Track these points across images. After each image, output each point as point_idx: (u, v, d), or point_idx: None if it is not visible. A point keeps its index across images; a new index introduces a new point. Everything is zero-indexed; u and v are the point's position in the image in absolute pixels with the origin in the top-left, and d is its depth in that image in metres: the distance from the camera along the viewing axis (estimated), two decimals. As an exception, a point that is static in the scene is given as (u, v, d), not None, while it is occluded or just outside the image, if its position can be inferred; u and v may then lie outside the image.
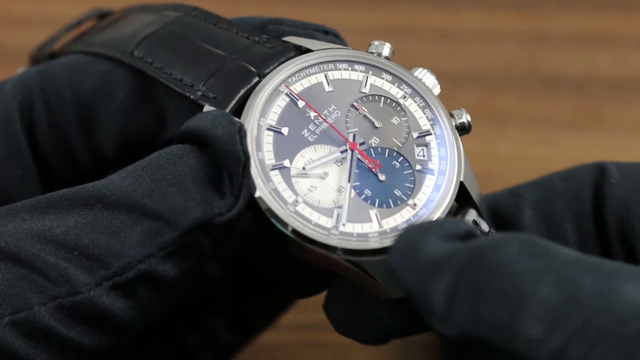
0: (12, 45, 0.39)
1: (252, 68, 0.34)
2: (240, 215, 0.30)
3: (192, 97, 0.34)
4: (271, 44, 0.35)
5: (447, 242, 0.29)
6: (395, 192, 0.33)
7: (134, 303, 0.29)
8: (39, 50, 0.39)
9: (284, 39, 0.35)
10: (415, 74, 0.35)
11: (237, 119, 0.32)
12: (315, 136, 0.33)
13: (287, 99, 0.33)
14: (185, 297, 0.37)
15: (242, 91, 0.33)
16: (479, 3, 0.58)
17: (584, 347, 0.26)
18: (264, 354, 0.46)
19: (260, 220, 0.31)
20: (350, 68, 0.35)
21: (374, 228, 0.32)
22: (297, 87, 0.34)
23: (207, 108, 0.33)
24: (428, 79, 0.35)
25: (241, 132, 0.31)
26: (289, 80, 0.34)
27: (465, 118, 0.35)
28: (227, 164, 0.31)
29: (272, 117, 0.33)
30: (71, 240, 0.29)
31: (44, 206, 0.30)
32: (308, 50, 0.35)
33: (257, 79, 0.34)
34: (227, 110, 0.33)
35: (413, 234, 0.30)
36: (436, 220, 0.32)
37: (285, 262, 0.37)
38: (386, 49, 0.35)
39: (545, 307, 0.26)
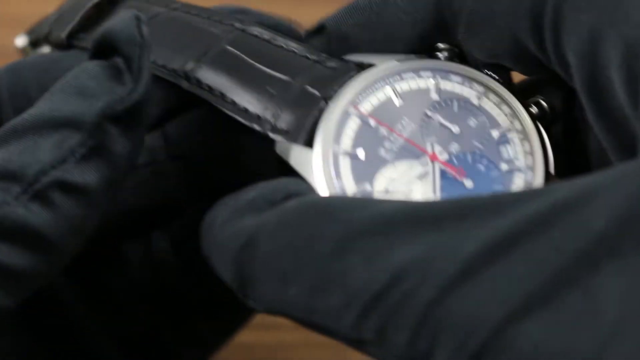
0: (12, 45, 0.39)
1: (317, 92, 0.33)
2: (143, 99, 0.31)
3: (263, 131, 0.33)
4: (331, 63, 0.33)
5: (237, 216, 0.29)
6: None
7: (54, 214, 0.29)
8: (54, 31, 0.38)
9: (345, 57, 0.34)
10: (484, 70, 0.34)
11: (132, 10, 0.33)
12: (393, 154, 0.32)
13: (358, 121, 0.32)
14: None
15: (312, 120, 0.32)
16: (479, 3, 0.58)
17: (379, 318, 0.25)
18: (264, 354, 0.46)
19: None
20: (416, 76, 0.33)
21: None
22: (366, 107, 0.32)
23: (282, 143, 0.32)
24: (497, 72, 0.34)
25: (138, 18, 0.32)
26: (357, 100, 0.32)
27: (544, 105, 0.33)
28: (125, 50, 0.31)
29: (346, 143, 0.32)
30: None
31: None
32: (369, 65, 0.33)
33: (323, 103, 0.32)
34: (300, 142, 0.32)
35: (218, 205, 0.30)
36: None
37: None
38: (447, 50, 0.34)
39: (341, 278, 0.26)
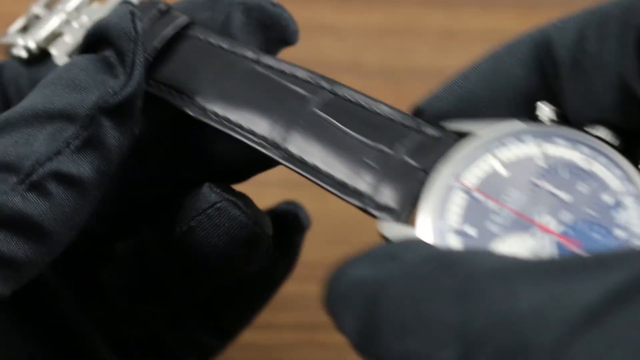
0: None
1: (415, 164, 0.31)
2: (135, 93, 0.31)
3: (364, 207, 0.31)
4: (429, 130, 0.32)
5: (361, 270, 0.28)
6: None
7: (50, 204, 0.30)
8: None
9: (442, 123, 0.32)
10: (589, 130, 0.31)
11: (129, 5, 0.33)
12: (503, 228, 0.30)
13: (462, 195, 0.30)
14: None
15: (414, 195, 0.31)
16: (479, 3, 0.58)
17: None
18: (264, 354, 0.46)
19: None
20: (520, 142, 0.31)
21: None
22: (470, 179, 0.30)
23: (387, 224, 0.31)
24: (603, 132, 0.31)
25: (134, 13, 0.32)
26: (459, 172, 0.31)
27: None
28: (118, 44, 0.32)
29: (452, 219, 0.30)
30: None
31: None
32: (468, 133, 0.31)
33: (422, 174, 0.31)
34: (403, 220, 0.31)
35: (344, 261, 0.29)
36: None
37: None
38: (549, 111, 0.32)
39: (451, 329, 0.25)
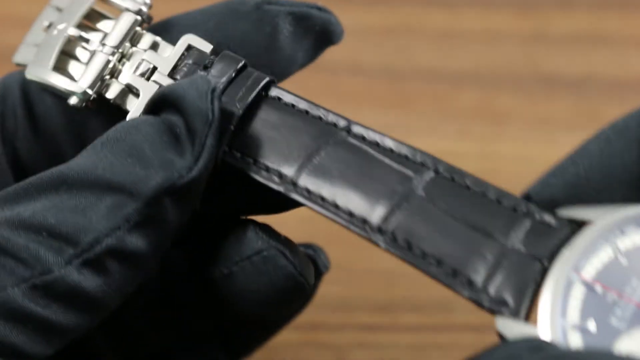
0: (12, 46, 0.39)
1: (531, 254, 0.30)
2: (202, 176, 0.30)
3: (480, 301, 0.29)
4: (542, 216, 0.30)
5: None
6: None
7: (105, 279, 0.30)
8: None
9: (559, 211, 0.31)
10: None
11: (208, 79, 0.31)
12: (626, 322, 0.29)
13: (583, 289, 0.29)
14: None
15: (532, 289, 0.29)
16: (479, 3, 0.58)
17: None
18: (264, 353, 0.46)
19: None
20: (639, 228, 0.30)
21: None
22: (590, 271, 0.29)
23: (505, 321, 0.29)
24: None
25: (215, 92, 0.31)
26: (578, 265, 0.29)
27: None
28: (192, 122, 0.30)
29: (573, 315, 0.29)
30: (39, 222, 0.29)
31: (13, 197, 0.30)
32: (583, 222, 0.30)
33: (538, 265, 0.30)
34: (521, 317, 0.29)
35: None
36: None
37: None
38: None
39: None
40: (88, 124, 0.34)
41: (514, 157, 0.53)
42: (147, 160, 0.30)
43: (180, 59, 0.33)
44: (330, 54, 0.50)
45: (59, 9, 0.35)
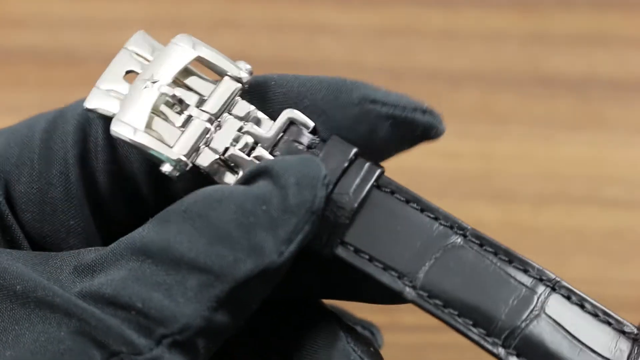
0: (12, 45, 0.39)
1: None
2: (291, 259, 0.29)
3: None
4: None
5: None
6: None
7: (192, 356, 0.29)
8: None
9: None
10: None
11: (319, 162, 0.30)
12: None
13: None
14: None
15: None
16: (479, 3, 0.58)
17: None
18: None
19: None
20: None
21: None
22: None
23: None
24: None
25: (326, 179, 0.29)
26: None
27: None
28: (293, 201, 0.29)
29: None
30: (124, 302, 0.29)
31: (91, 265, 0.30)
32: None
33: None
34: None
35: None
36: None
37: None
38: None
39: None
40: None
41: (514, 157, 0.53)
42: (234, 243, 0.29)
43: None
44: (330, 54, 0.50)
45: (140, 55, 0.32)
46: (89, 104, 0.32)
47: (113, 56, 0.33)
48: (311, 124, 0.31)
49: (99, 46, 0.55)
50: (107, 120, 0.31)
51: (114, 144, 0.32)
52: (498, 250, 0.30)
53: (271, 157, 0.31)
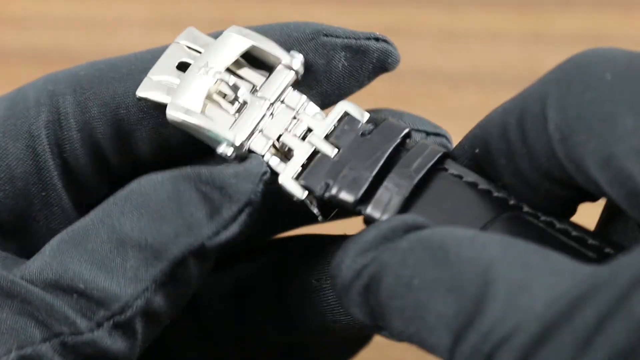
0: (12, 46, 0.39)
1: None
2: (230, 239, 0.30)
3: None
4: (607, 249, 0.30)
5: (356, 260, 0.29)
6: None
7: (132, 339, 0.30)
8: None
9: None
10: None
11: (263, 162, 0.31)
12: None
13: None
14: None
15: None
16: (479, 3, 0.58)
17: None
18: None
19: None
20: None
21: None
22: None
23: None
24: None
25: (265, 175, 0.30)
26: None
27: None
28: (235, 195, 0.30)
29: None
30: (67, 284, 0.29)
31: (45, 250, 0.30)
32: None
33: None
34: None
35: (342, 249, 0.29)
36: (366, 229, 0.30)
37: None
38: None
39: (442, 318, 0.26)
40: (134, 133, 0.33)
41: (514, 157, 0.53)
42: (174, 220, 0.30)
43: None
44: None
45: (191, 49, 0.33)
46: (141, 92, 0.32)
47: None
48: (365, 115, 0.32)
49: (99, 46, 0.55)
50: (104, 98, 0.32)
51: (80, 113, 0.33)
52: (554, 224, 0.31)
53: (327, 144, 0.32)
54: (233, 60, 0.32)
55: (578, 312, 0.24)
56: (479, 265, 0.26)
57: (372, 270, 0.28)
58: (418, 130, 0.33)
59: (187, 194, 0.30)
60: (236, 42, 0.32)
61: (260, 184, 0.30)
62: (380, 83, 0.45)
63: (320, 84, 0.33)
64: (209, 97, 0.32)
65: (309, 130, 0.32)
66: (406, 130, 0.32)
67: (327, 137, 0.32)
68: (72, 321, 0.29)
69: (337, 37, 0.33)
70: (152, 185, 0.30)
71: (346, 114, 0.32)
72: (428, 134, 0.33)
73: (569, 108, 0.29)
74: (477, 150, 0.31)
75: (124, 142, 0.33)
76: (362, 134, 0.32)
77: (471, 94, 0.55)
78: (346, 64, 0.33)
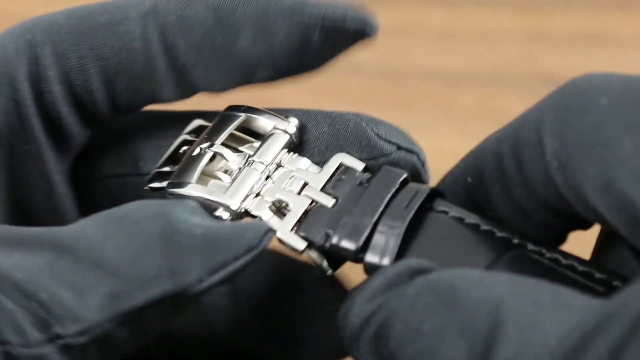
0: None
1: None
2: (208, 289, 0.29)
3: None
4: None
5: (364, 308, 0.28)
6: None
7: None
8: None
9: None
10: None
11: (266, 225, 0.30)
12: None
13: None
14: None
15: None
16: (479, 3, 0.58)
17: None
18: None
19: None
20: None
21: None
22: None
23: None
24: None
25: (269, 233, 0.30)
26: None
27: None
28: (233, 250, 0.29)
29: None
30: (30, 290, 0.28)
31: (14, 242, 0.29)
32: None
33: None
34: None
35: (348, 299, 0.29)
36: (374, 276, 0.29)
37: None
38: None
39: None
40: (113, 85, 0.33)
41: (514, 157, 0.53)
42: (158, 260, 0.29)
43: (332, 175, 0.32)
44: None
45: (192, 134, 0.34)
46: (151, 184, 0.33)
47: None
48: (361, 164, 0.32)
49: (99, 46, 0.55)
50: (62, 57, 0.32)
51: (59, 65, 0.32)
52: (560, 260, 0.30)
53: (323, 195, 0.31)
54: (228, 133, 0.32)
55: (591, 344, 0.24)
56: (488, 304, 0.26)
57: (380, 318, 0.28)
58: (390, 142, 0.32)
59: (177, 239, 0.29)
60: (231, 118, 0.33)
61: (260, 239, 0.29)
62: (381, 83, 0.45)
63: (294, 55, 0.33)
64: (209, 174, 0.32)
65: (306, 184, 0.32)
66: (404, 176, 0.31)
67: (324, 189, 0.32)
68: (22, 330, 0.28)
69: (313, 11, 0.32)
70: (147, 216, 0.29)
71: (342, 165, 0.32)
72: (400, 147, 0.32)
73: (567, 134, 0.29)
74: (469, 179, 0.31)
75: (104, 93, 0.32)
76: (360, 183, 0.32)
77: (471, 94, 0.55)
78: (323, 39, 0.33)
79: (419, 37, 0.57)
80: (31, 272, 0.28)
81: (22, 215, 0.31)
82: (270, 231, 0.29)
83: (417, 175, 0.32)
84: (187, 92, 0.33)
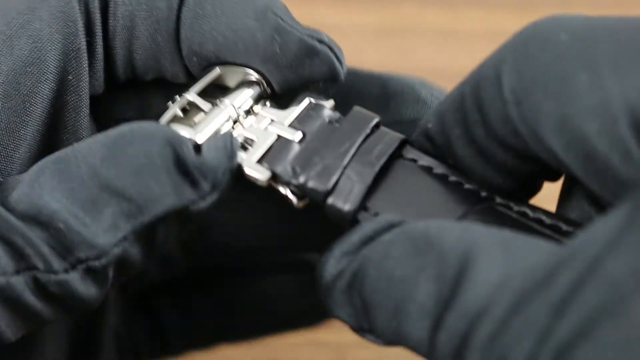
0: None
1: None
2: (210, 204, 0.30)
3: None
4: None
5: (341, 260, 0.29)
6: None
7: (103, 284, 0.30)
8: None
9: None
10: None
11: (232, 134, 0.31)
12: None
13: None
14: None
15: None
16: (479, 3, 0.58)
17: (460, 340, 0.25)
18: (264, 352, 0.46)
19: None
20: None
21: None
22: None
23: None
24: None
25: (234, 143, 0.30)
26: None
27: None
28: (212, 173, 0.30)
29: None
30: (46, 220, 0.29)
31: (14, 184, 0.30)
32: None
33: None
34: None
35: (326, 253, 0.29)
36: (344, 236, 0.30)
37: None
38: None
39: (423, 309, 0.26)
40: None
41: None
42: (160, 178, 0.30)
43: (301, 112, 0.32)
44: (331, 54, 0.50)
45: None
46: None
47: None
48: (330, 103, 0.32)
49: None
50: None
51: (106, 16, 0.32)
52: (528, 214, 0.30)
53: (290, 130, 0.31)
54: (203, 85, 0.32)
55: (553, 279, 0.24)
56: (459, 249, 0.26)
57: (354, 267, 0.28)
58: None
59: (179, 155, 0.30)
60: (210, 73, 0.33)
61: (231, 146, 0.30)
62: (381, 83, 0.45)
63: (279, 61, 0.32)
64: (187, 118, 0.32)
65: (272, 122, 0.32)
66: (376, 120, 0.31)
67: (291, 125, 0.32)
68: (47, 259, 0.29)
69: (293, 29, 0.32)
70: (143, 134, 0.30)
71: (310, 101, 0.32)
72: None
73: (524, 71, 0.29)
74: (429, 125, 0.31)
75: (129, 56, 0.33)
76: (330, 122, 0.32)
77: (471, 93, 0.55)
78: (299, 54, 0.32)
79: (419, 37, 0.57)
80: (40, 202, 0.29)
81: (48, 154, 0.31)
82: (234, 137, 0.30)
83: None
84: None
